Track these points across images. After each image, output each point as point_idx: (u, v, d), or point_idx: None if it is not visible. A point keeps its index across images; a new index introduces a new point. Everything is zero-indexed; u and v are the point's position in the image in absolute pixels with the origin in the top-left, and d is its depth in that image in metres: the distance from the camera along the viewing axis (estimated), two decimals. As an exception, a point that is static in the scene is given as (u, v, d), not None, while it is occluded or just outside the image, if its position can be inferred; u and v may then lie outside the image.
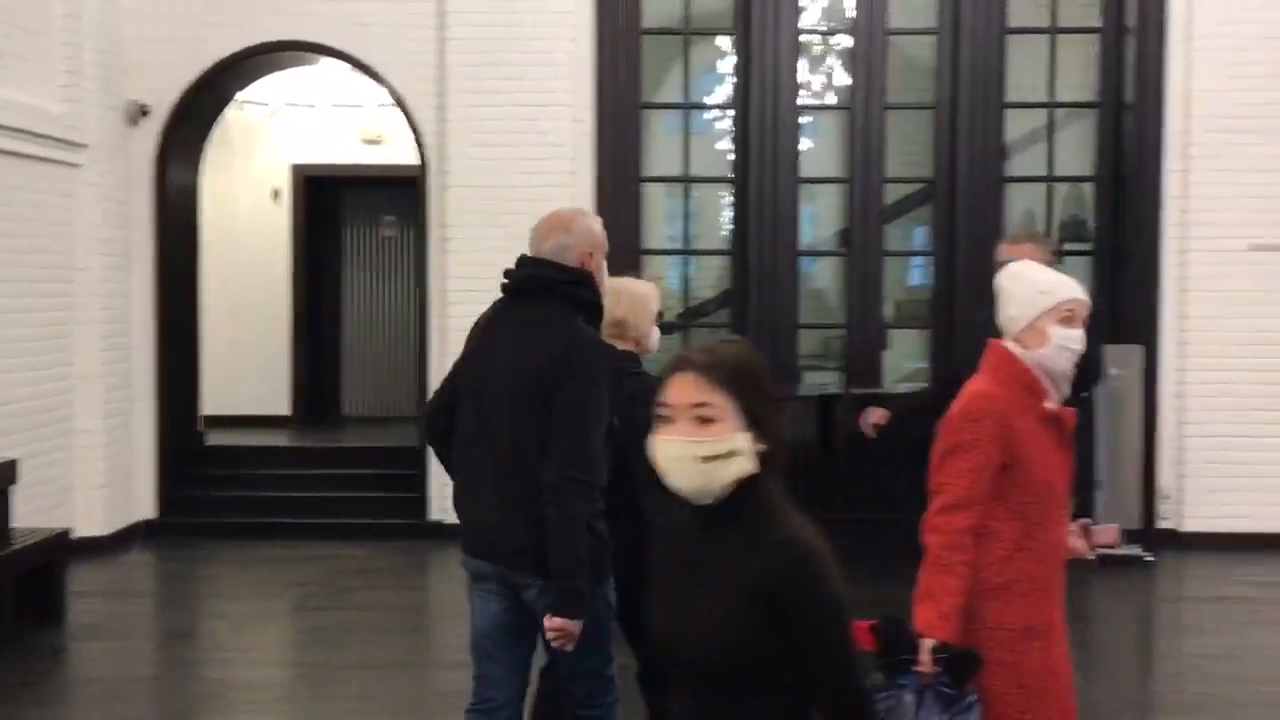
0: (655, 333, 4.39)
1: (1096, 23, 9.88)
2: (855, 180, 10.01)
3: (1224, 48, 9.27)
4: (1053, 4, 9.88)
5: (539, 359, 3.66)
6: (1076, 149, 10.34)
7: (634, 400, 3.75)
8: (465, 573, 3.89)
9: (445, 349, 9.61)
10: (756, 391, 2.28)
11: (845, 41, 10.17)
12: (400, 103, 9.78)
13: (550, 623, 3.55)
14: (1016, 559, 3.38)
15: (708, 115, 10.90)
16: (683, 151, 10.22)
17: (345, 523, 9.68)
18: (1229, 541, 9.13)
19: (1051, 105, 9.99)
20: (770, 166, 9.91)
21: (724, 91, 10.39)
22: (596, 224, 3.94)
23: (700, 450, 2.22)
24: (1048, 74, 9.94)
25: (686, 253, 10.54)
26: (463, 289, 9.58)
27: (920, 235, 11.18)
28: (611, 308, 4.05)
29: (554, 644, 3.63)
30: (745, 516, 2.25)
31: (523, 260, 3.87)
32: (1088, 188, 10.24)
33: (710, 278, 11.81)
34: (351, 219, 12.69)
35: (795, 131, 9.99)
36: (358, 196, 12.61)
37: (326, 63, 10.31)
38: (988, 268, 9.80)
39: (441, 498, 9.64)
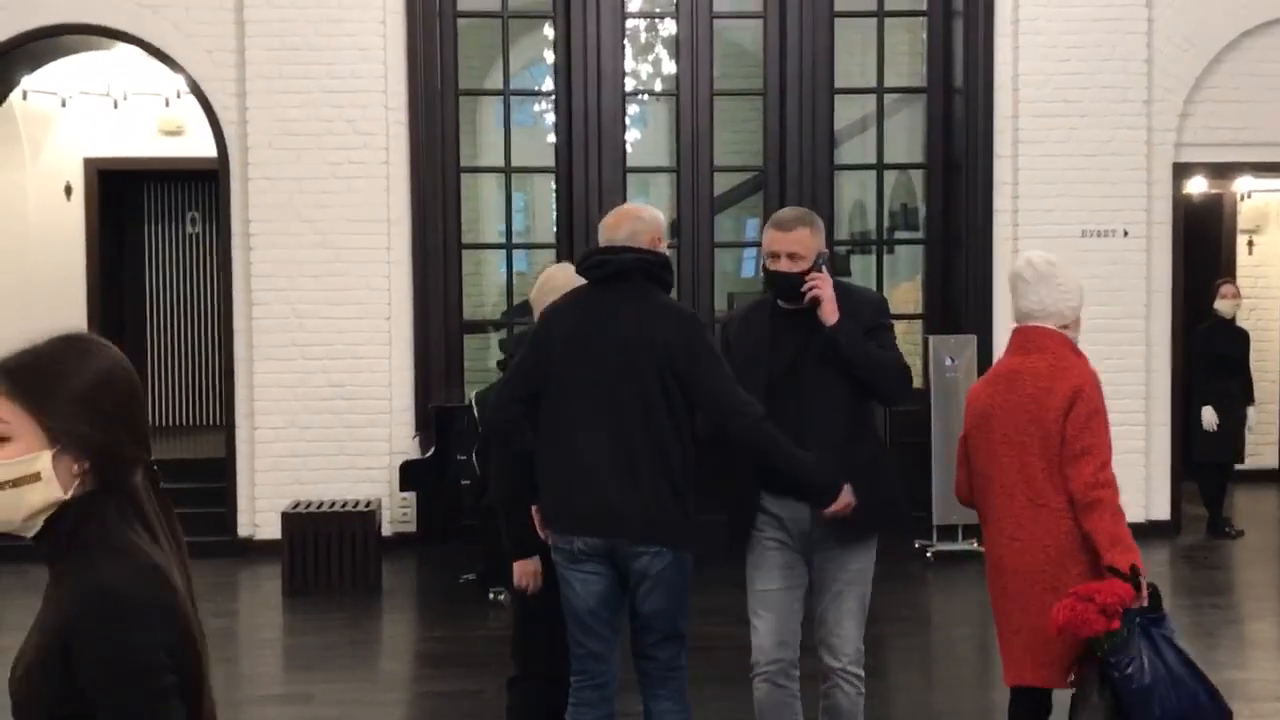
0: None
1: (924, 6, 9.70)
2: (683, 169, 9.66)
3: (1049, 30, 9.16)
4: (879, -13, 9.67)
5: (665, 335, 4.01)
6: (906, 135, 10.16)
7: None
8: (560, 555, 4.09)
9: (252, 352, 9.02)
10: (66, 400, 1.87)
11: (670, 26, 9.83)
12: (197, 90, 9.12)
13: (831, 510, 4.07)
14: None
15: (532, 103, 10.47)
16: (504, 141, 9.75)
17: (145, 543, 8.99)
18: (1065, 532, 9.02)
19: (880, 91, 9.77)
20: (595, 156, 9.50)
21: (547, 79, 9.95)
22: (659, 213, 4.35)
23: None
24: (876, 58, 9.72)
25: (511, 246, 10.06)
26: (269, 288, 8.99)
27: (753, 226, 10.90)
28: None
29: (838, 512, 4.08)
30: (73, 552, 1.87)
31: (610, 249, 4.15)
32: (917, 175, 10.05)
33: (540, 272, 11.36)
34: (153, 216, 11.92)
35: (621, 119, 9.60)
36: (159, 192, 11.85)
37: (121, 48, 9.59)
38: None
39: (250, 512, 9.05)
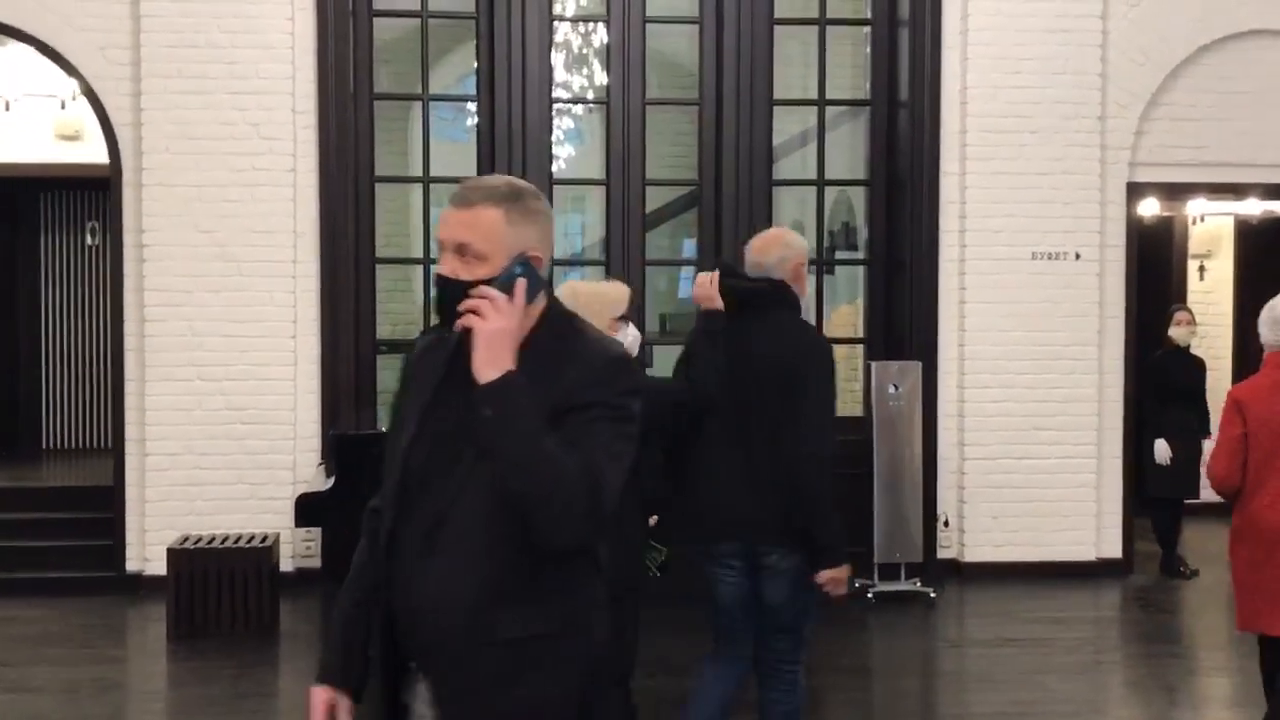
0: (624, 330, 4.82)
1: (868, 14, 9.20)
2: (614, 183, 9.10)
3: (1000, 41, 8.69)
4: (822, -7, 9.17)
5: (785, 357, 4.31)
6: (848, 150, 9.66)
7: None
8: (703, 553, 4.48)
9: (145, 372, 8.35)
10: None
11: (600, 31, 9.28)
12: (90, 91, 8.46)
13: (823, 577, 4.30)
14: None
15: (463, 118, 9.87)
16: (422, 149, 9.14)
17: (20, 578, 8.29)
18: (1015, 572, 8.52)
19: (822, 103, 9.25)
20: (520, 167, 8.91)
21: (469, 83, 9.36)
22: (804, 241, 4.62)
23: None
24: (818, 69, 9.21)
25: (429, 261, 9.43)
26: (164, 304, 8.34)
27: (688, 244, 10.38)
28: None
29: (829, 591, 4.35)
30: None
31: (745, 276, 4.49)
32: (859, 192, 9.54)
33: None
34: (49, 226, 11.19)
35: (548, 128, 9.03)
36: (56, 201, 11.12)
37: (11, 45, 8.92)
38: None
39: (140, 545, 8.36)
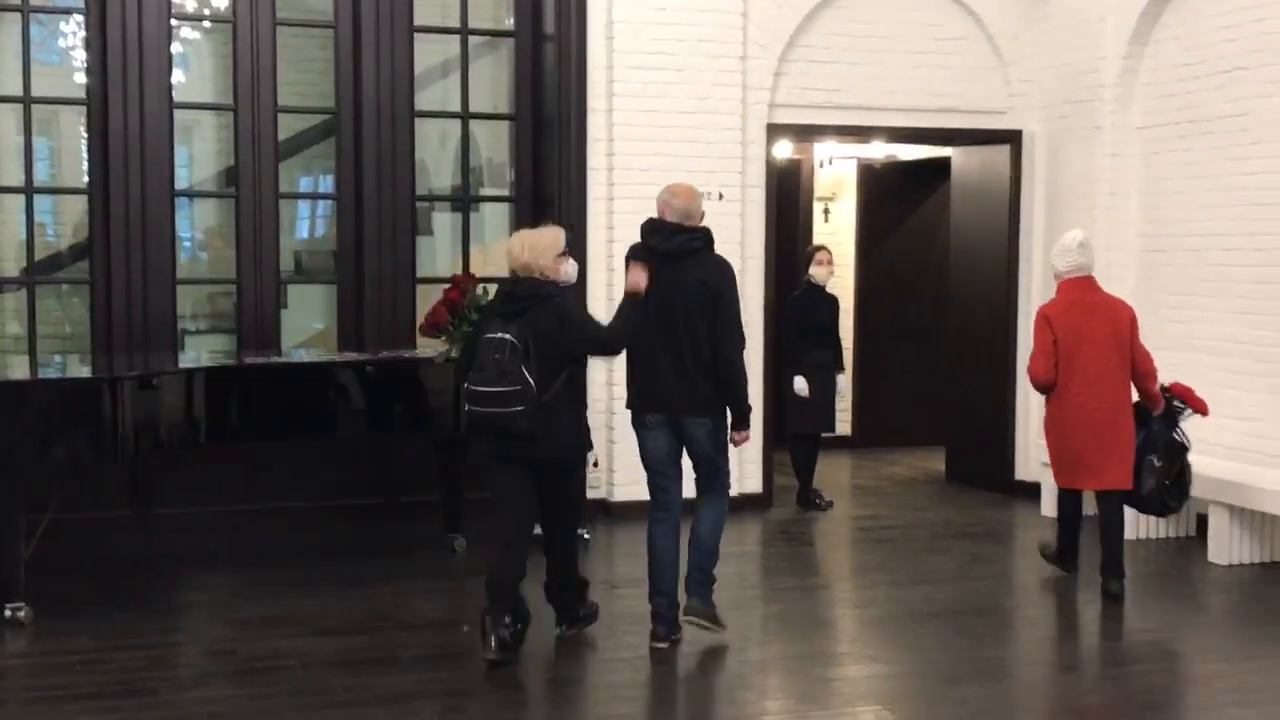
0: (564, 266, 5.93)
1: (511, -59, 8.92)
2: (242, 109, 8.48)
3: (646, -26, 8.60)
4: (462, -83, 8.79)
5: (711, 283, 5.83)
6: (492, 83, 9.35)
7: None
8: (640, 421, 5.93)
9: None
10: None
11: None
12: None
13: (737, 436, 5.97)
14: None
15: (58, 38, 8.89)
16: (23, 67, 8.18)
17: None
18: (663, 511, 8.51)
19: (465, 32, 8.91)
20: (136, 90, 8.20)
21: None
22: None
23: None
24: (460, -4, 8.85)
25: (33, 191, 8.50)
26: None
27: (326, 180, 9.80)
28: (518, 254, 5.73)
29: (738, 446, 6.10)
30: None
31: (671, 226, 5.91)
32: (505, 126, 9.26)
33: (69, 223, 9.79)
34: None
35: (166, 46, 8.28)
36: None
37: None
38: (399, 213, 8.72)
39: None
